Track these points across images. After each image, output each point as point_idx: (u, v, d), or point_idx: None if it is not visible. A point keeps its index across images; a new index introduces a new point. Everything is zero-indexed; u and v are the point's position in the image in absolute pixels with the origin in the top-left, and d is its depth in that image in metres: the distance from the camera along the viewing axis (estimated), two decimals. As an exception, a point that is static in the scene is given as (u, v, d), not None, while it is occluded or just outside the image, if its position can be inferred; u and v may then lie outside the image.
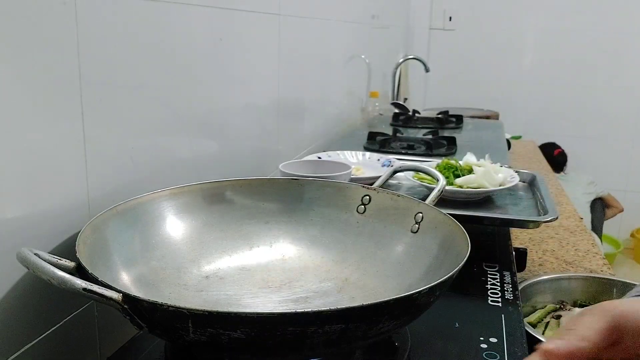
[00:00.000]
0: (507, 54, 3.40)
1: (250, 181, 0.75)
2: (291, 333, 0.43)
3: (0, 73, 0.49)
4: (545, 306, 0.94)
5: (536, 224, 0.86)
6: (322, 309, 0.43)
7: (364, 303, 0.44)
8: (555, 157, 3.09)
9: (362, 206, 0.73)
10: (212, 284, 0.64)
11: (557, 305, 0.94)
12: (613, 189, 3.15)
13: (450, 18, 3.41)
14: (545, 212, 0.89)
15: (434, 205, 0.69)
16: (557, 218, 0.86)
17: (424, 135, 1.73)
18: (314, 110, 1.46)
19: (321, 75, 1.50)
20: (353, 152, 1.26)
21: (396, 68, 2.44)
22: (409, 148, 1.50)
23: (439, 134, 1.71)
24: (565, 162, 3.17)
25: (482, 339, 0.63)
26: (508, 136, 2.21)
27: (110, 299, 0.44)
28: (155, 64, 0.72)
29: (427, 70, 2.38)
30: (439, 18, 3.42)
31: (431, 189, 0.75)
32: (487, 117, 2.56)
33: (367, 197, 0.73)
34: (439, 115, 2.05)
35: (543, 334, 0.85)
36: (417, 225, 0.67)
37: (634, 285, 0.95)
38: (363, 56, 1.91)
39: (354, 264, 0.68)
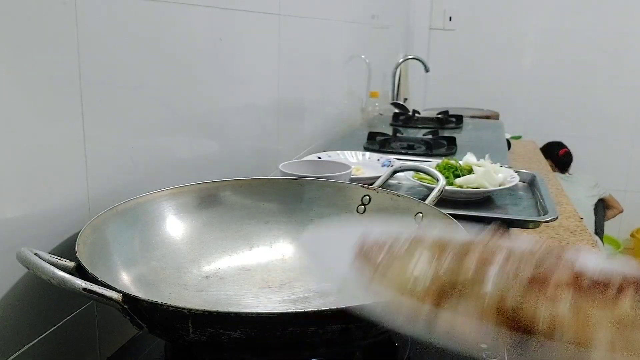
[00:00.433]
0: (507, 54, 3.39)
1: (250, 181, 0.75)
2: (291, 333, 0.43)
3: (0, 73, 0.49)
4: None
5: (536, 224, 0.86)
6: (322, 309, 0.43)
7: (364, 303, 0.44)
8: (560, 157, 3.08)
9: (362, 206, 0.73)
10: (212, 284, 0.64)
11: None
12: (613, 189, 3.15)
13: (450, 18, 3.41)
14: (545, 212, 0.89)
15: (434, 205, 0.69)
16: (557, 218, 0.86)
17: (424, 135, 1.73)
18: (314, 110, 1.46)
19: (321, 75, 1.50)
20: (353, 152, 1.26)
21: (396, 68, 2.44)
22: (409, 148, 1.50)
23: (439, 134, 1.71)
24: (570, 163, 3.15)
25: (482, 339, 0.63)
26: (508, 136, 2.21)
27: (110, 299, 0.44)
28: (155, 64, 0.72)
29: (427, 70, 2.38)
30: (439, 18, 3.42)
31: (431, 189, 0.75)
32: (487, 117, 2.56)
33: (367, 197, 0.73)
34: (439, 115, 2.05)
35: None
36: (417, 226, 0.67)
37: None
38: (363, 56, 1.91)
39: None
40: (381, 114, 2.11)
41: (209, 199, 0.71)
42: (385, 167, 1.16)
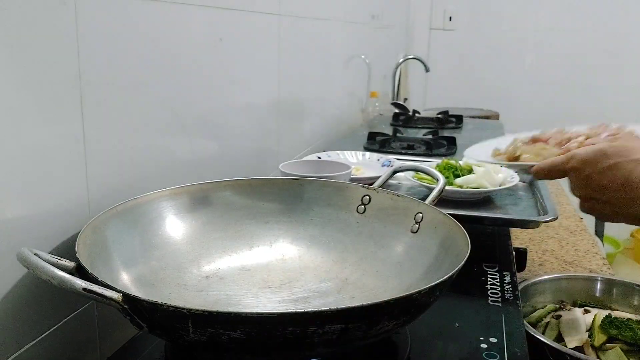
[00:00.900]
0: (507, 54, 3.39)
1: (250, 181, 0.75)
2: (291, 333, 0.43)
3: (0, 73, 0.49)
4: (545, 306, 0.94)
5: (536, 224, 0.86)
6: (322, 309, 0.43)
7: (364, 303, 0.44)
8: None
9: (362, 206, 0.73)
10: (212, 284, 0.64)
11: (557, 305, 0.94)
12: (613, 188, 3.15)
13: (450, 18, 3.41)
14: (545, 212, 0.89)
15: (434, 205, 0.69)
16: (557, 218, 0.86)
17: (424, 135, 1.73)
18: (314, 110, 1.46)
19: (321, 75, 1.50)
20: (353, 152, 1.26)
21: (396, 68, 2.44)
22: (409, 148, 1.50)
23: (439, 134, 1.71)
24: None
25: (482, 339, 0.63)
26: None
27: (110, 299, 0.44)
28: (155, 64, 0.72)
29: (427, 70, 2.38)
30: (439, 18, 3.42)
31: (431, 189, 0.75)
32: (487, 117, 2.56)
33: (367, 197, 0.73)
34: (439, 115, 2.05)
35: (543, 333, 0.85)
36: (417, 225, 0.67)
37: (634, 285, 0.95)
38: (363, 56, 1.91)
39: (353, 264, 0.68)
40: (381, 114, 2.11)
41: (209, 199, 0.71)
42: (385, 167, 1.16)
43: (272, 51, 1.11)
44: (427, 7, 3.37)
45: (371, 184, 0.77)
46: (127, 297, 0.44)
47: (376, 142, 1.53)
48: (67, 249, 0.57)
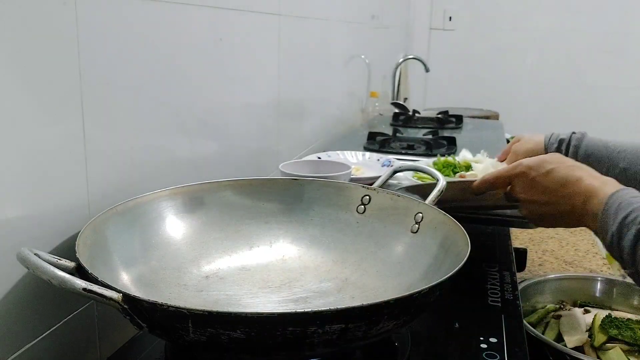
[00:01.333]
0: (507, 54, 3.39)
1: (250, 181, 0.75)
2: (291, 333, 0.43)
3: (1, 73, 0.49)
4: (545, 306, 0.94)
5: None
6: (322, 309, 0.43)
7: (364, 303, 0.44)
8: None
9: (362, 206, 0.73)
10: (212, 284, 0.64)
11: (557, 305, 0.94)
12: (613, 188, 3.15)
13: (450, 18, 3.41)
14: (545, 212, 0.89)
15: (434, 205, 0.69)
16: (557, 218, 0.86)
17: (424, 135, 1.73)
18: (314, 110, 1.46)
19: (321, 75, 1.50)
20: (353, 152, 1.26)
21: (396, 68, 2.44)
22: (409, 148, 1.50)
23: (439, 134, 1.71)
24: None
25: (482, 339, 0.63)
26: (508, 136, 2.21)
27: (110, 299, 0.44)
28: (155, 64, 0.72)
29: (427, 70, 2.38)
30: (439, 18, 3.42)
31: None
32: (487, 117, 2.56)
33: (367, 197, 0.73)
34: (439, 115, 2.05)
35: (543, 333, 0.85)
36: (417, 225, 0.67)
37: (634, 285, 0.95)
38: (363, 56, 1.91)
39: (354, 264, 0.68)
40: (381, 114, 2.11)
41: (209, 199, 0.71)
42: (385, 167, 1.16)
43: (272, 51, 1.11)
44: (427, 7, 3.37)
45: (371, 184, 0.77)
46: (127, 297, 0.44)
47: (376, 142, 1.53)
48: (67, 249, 0.57)
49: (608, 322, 0.83)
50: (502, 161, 1.05)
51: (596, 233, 0.62)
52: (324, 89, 1.55)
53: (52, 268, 0.45)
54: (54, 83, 0.55)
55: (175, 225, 0.68)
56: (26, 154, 0.52)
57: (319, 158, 1.18)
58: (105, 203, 0.62)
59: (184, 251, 0.66)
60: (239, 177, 0.75)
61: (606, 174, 0.66)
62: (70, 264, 0.51)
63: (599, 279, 0.98)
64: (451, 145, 1.52)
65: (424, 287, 0.47)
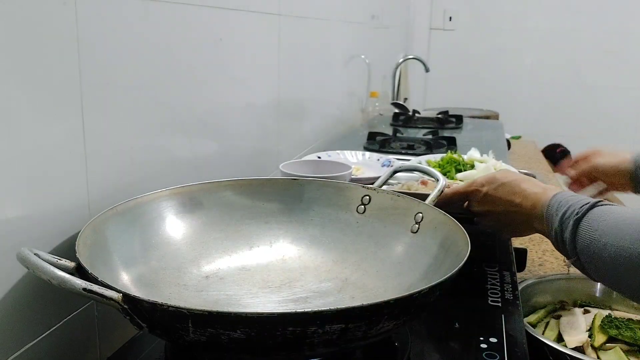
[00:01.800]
0: (507, 54, 3.39)
1: (250, 181, 0.75)
2: (291, 333, 0.43)
3: (1, 73, 0.49)
4: (546, 306, 0.94)
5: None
6: (322, 309, 0.43)
7: (364, 303, 0.44)
8: (557, 154, 3.09)
9: (362, 206, 0.73)
10: (212, 284, 0.64)
11: (557, 305, 0.94)
12: (613, 189, 3.15)
13: (450, 18, 3.42)
14: (545, 212, 0.89)
15: (434, 205, 0.69)
16: (557, 218, 0.86)
17: (424, 135, 1.73)
18: (314, 110, 1.46)
19: (321, 75, 1.50)
20: (353, 152, 1.26)
21: (396, 68, 2.44)
22: (409, 148, 1.50)
23: (439, 134, 1.71)
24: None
25: (482, 339, 0.63)
26: (508, 136, 2.21)
27: (110, 299, 0.44)
28: (155, 64, 0.72)
29: (427, 70, 2.38)
30: (439, 18, 3.42)
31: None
32: (487, 117, 2.56)
33: (367, 197, 0.73)
34: (439, 115, 2.05)
35: (543, 333, 0.85)
36: (417, 225, 0.67)
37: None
38: (363, 56, 1.91)
39: (354, 264, 0.68)
40: (381, 114, 2.11)
41: (209, 199, 0.71)
42: (385, 167, 1.16)
43: (272, 51, 1.11)
44: (427, 7, 3.37)
45: (371, 184, 0.77)
46: (127, 297, 0.44)
47: (376, 142, 1.53)
48: (67, 249, 0.57)
49: (608, 322, 0.83)
50: (572, 169, 1.06)
51: (544, 234, 0.70)
52: (324, 89, 1.55)
53: (52, 268, 0.45)
54: (54, 83, 0.55)
55: (175, 225, 0.68)
56: (26, 153, 0.52)
57: (319, 158, 1.18)
58: (105, 203, 0.62)
59: (184, 251, 0.66)
60: (239, 177, 0.75)
61: None
62: (70, 264, 0.51)
63: (599, 279, 0.98)
64: (451, 146, 1.52)
65: (424, 287, 0.47)
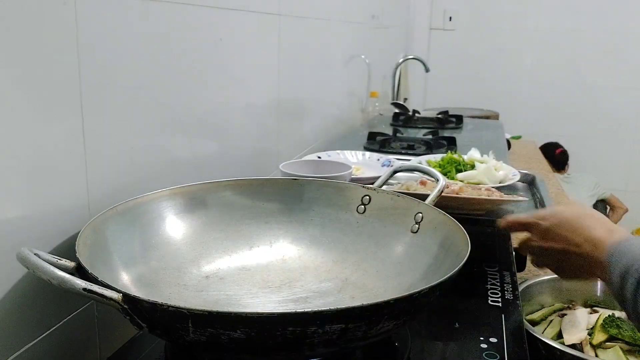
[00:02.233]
0: (507, 54, 3.39)
1: (250, 181, 0.75)
2: (291, 333, 0.43)
3: (1, 73, 0.49)
4: (553, 305, 0.94)
5: (536, 224, 0.86)
6: (322, 309, 0.43)
7: (364, 303, 0.44)
8: (556, 155, 3.09)
9: (362, 206, 0.73)
10: (212, 284, 0.64)
11: (566, 305, 0.94)
12: (613, 189, 3.15)
13: (450, 18, 3.42)
14: (545, 212, 0.89)
15: (434, 205, 0.69)
16: (557, 218, 0.86)
17: (424, 135, 1.73)
18: (314, 110, 1.46)
19: (321, 75, 1.50)
20: (353, 152, 1.26)
21: (396, 68, 2.44)
22: (409, 148, 1.50)
23: (439, 134, 1.71)
24: (566, 161, 3.16)
25: (482, 339, 0.63)
26: (508, 136, 2.21)
27: (110, 299, 0.44)
28: (155, 64, 0.72)
29: (427, 70, 2.38)
30: (439, 18, 3.42)
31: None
32: (487, 117, 2.56)
33: (367, 197, 0.73)
34: (439, 115, 2.05)
35: (543, 332, 0.85)
36: (417, 225, 0.67)
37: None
38: (363, 56, 1.91)
39: (354, 264, 0.68)
40: (381, 114, 2.11)
41: (209, 199, 0.71)
42: (385, 167, 1.16)
43: (272, 51, 1.11)
44: (427, 7, 3.37)
45: (371, 184, 0.77)
46: (127, 297, 0.44)
47: (376, 142, 1.53)
48: (67, 249, 0.57)
49: (609, 321, 0.83)
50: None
51: (604, 281, 0.62)
52: (324, 89, 1.55)
53: (52, 268, 0.45)
54: (53, 83, 0.55)
55: (175, 225, 0.68)
56: (26, 154, 0.52)
57: (319, 158, 1.18)
58: (105, 203, 0.62)
59: (184, 251, 0.66)
60: (239, 177, 0.75)
61: None
62: (70, 264, 0.51)
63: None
64: (451, 146, 1.52)
65: (424, 287, 0.47)
